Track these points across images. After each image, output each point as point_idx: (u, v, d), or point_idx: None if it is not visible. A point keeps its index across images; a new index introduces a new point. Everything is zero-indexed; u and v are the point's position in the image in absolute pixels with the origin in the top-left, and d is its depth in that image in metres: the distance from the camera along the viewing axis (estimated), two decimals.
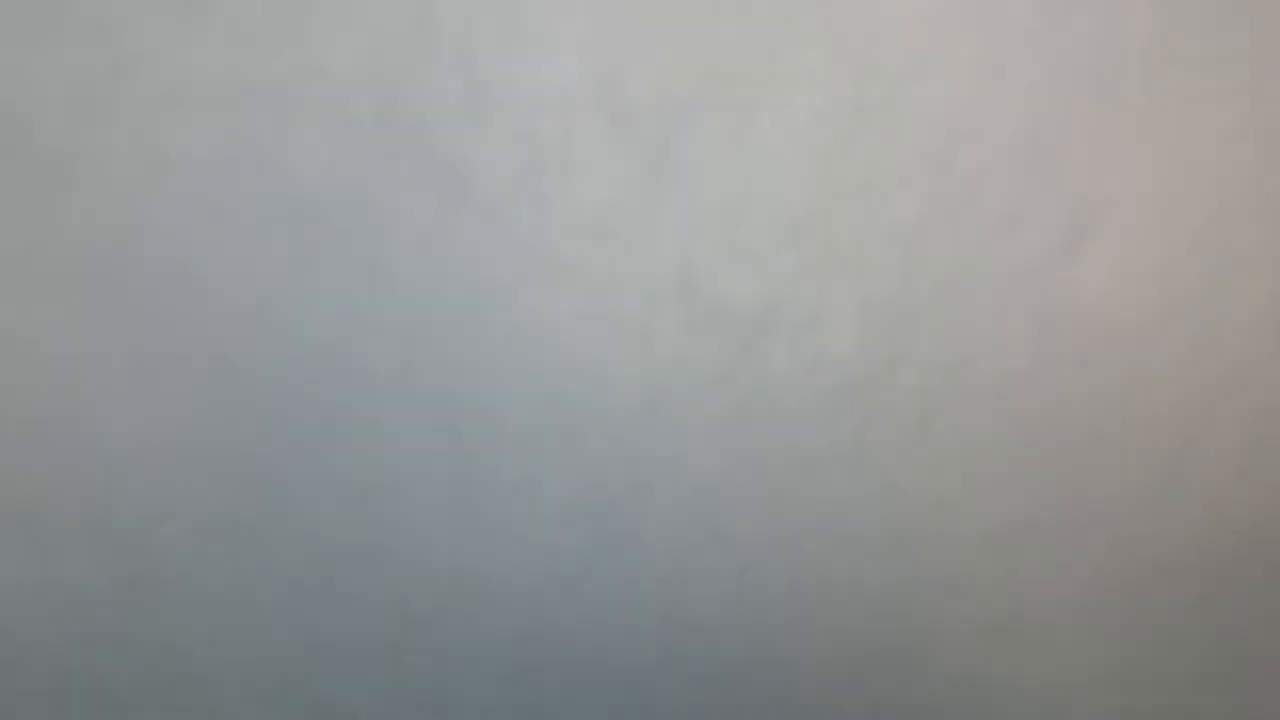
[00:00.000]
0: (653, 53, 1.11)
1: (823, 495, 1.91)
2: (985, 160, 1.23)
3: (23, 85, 1.07)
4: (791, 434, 1.72)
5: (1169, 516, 2.00)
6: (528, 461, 1.67)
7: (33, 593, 1.92)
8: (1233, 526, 2.03)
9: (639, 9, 1.06)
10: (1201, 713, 2.61)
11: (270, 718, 2.27)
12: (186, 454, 1.47)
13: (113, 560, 1.87)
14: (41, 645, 2.07)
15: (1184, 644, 2.45)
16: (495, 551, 1.91)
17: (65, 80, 1.07)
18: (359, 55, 1.08)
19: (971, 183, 1.25)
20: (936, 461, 1.85)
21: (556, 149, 1.19)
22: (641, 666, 2.28)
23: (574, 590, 2.00)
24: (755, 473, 1.80)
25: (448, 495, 1.72)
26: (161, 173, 1.14)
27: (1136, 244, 1.33)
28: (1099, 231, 1.31)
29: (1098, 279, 1.39)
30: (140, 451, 1.50)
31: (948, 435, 1.77)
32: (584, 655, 2.19)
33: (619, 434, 1.63)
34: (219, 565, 1.90)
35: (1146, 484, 1.91)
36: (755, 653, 2.37)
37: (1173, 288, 1.42)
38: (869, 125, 1.17)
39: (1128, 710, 2.64)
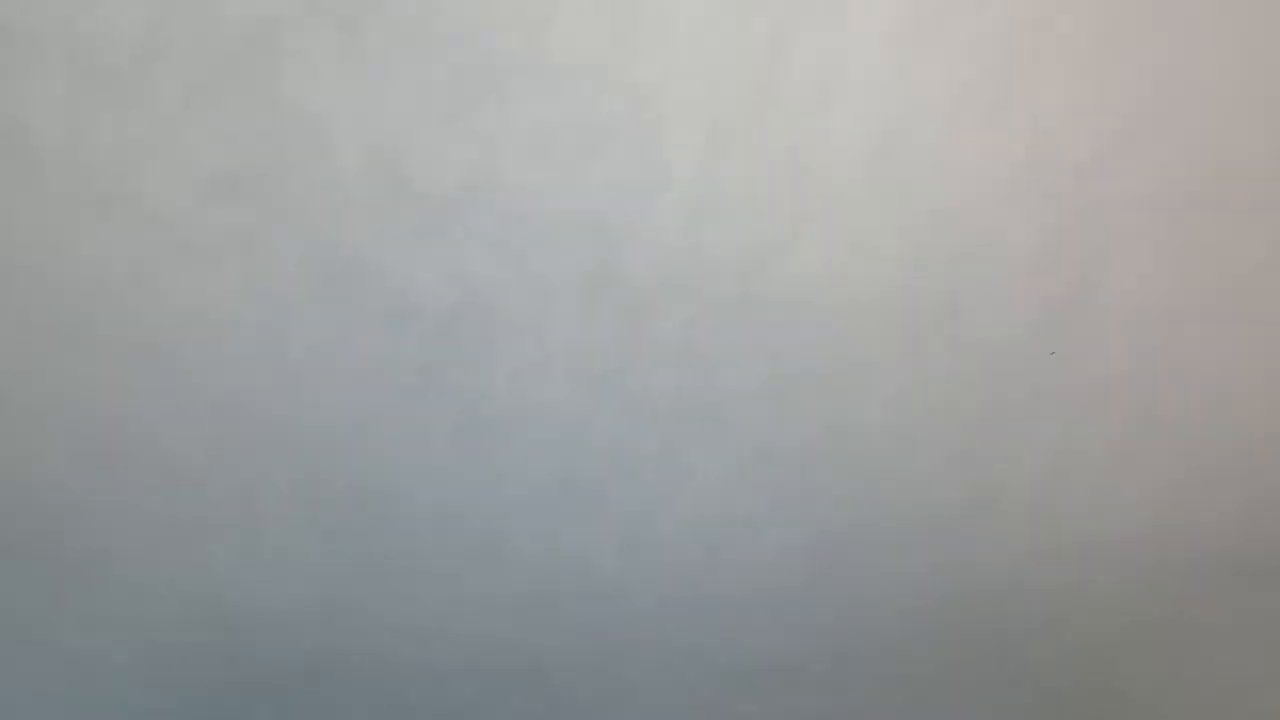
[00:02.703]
0: None
1: (611, 512, 1.71)
2: (672, 132, 1.03)
3: None
4: (554, 444, 1.52)
5: (993, 530, 1.83)
6: (239, 486, 1.45)
7: None
8: (1056, 540, 1.86)
9: None
10: None
11: None
12: None
13: None
14: None
15: (1023, 670, 2.29)
16: (236, 581, 1.69)
17: None
18: None
19: (665, 161, 1.05)
20: (730, 470, 1.66)
21: (112, 93, 0.97)
22: (424, 698, 2.08)
23: (340, 618, 1.79)
24: (524, 492, 1.60)
25: (159, 527, 1.51)
26: None
27: (859, 231, 1.14)
28: (821, 218, 1.12)
29: (830, 267, 1.19)
30: None
31: (734, 442, 1.58)
32: (355, 684, 1.99)
33: (338, 452, 1.42)
34: None
35: (965, 497, 1.72)
36: (561, 682, 2.17)
37: (919, 276, 1.24)
38: (494, 80, 0.97)
39: None
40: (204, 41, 0.94)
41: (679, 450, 1.58)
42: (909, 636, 2.23)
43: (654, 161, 1.05)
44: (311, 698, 2.10)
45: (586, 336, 1.31)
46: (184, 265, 1.13)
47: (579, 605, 1.94)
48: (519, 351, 1.33)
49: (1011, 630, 2.19)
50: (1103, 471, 1.70)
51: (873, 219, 1.14)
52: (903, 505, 1.76)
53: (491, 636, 1.96)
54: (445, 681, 2.08)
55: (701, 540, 1.84)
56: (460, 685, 2.13)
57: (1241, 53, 1.07)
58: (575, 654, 2.14)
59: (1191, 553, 1.93)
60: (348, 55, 0.97)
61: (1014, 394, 1.52)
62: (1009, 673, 2.35)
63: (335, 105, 1.01)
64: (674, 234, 1.14)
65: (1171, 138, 1.14)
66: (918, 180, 1.10)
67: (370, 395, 1.34)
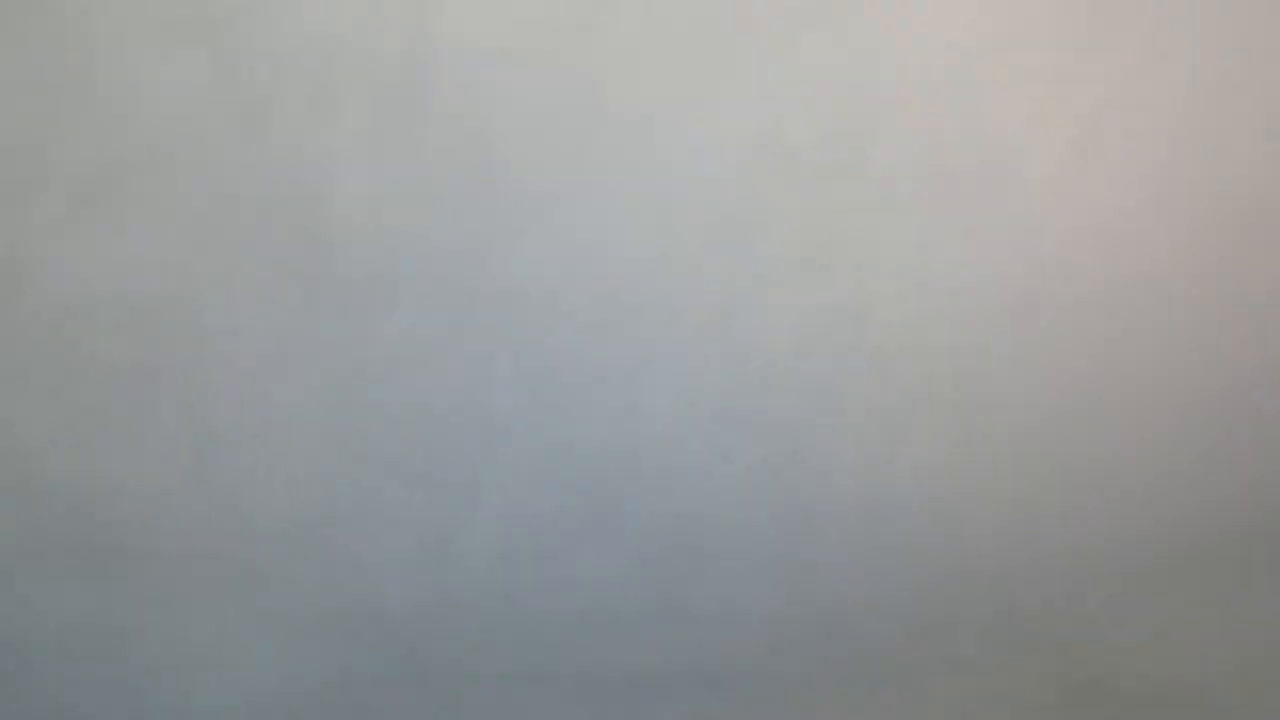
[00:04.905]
0: None
1: (399, 529, 1.57)
2: (335, 102, 0.89)
3: None
4: (309, 454, 1.37)
5: (817, 538, 1.71)
6: None
7: None
8: (886, 546, 1.75)
9: None
10: None
11: None
12: None
13: None
14: None
15: (885, 679, 2.19)
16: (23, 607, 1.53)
17: None
18: None
19: (333, 138, 0.91)
20: (523, 483, 1.52)
21: None
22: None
23: (109, 645, 1.63)
24: (283, 507, 1.45)
25: None
26: None
27: (584, 224, 1.01)
28: (536, 208, 0.98)
29: (564, 262, 1.06)
30: None
31: (517, 452, 1.44)
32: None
33: (52, 466, 1.26)
34: None
35: (783, 506, 1.60)
36: None
37: (670, 272, 1.10)
38: (113, 32, 0.82)
39: None
40: None
41: (459, 461, 1.44)
42: (765, 647, 2.12)
43: (321, 137, 0.91)
44: None
45: (312, 337, 1.16)
46: None
47: (382, 626, 1.79)
48: (238, 354, 1.18)
49: (868, 640, 2.08)
50: (929, 479, 1.58)
51: (595, 208, 1.01)
52: (718, 518, 1.63)
53: (290, 663, 1.81)
54: (252, 711, 1.93)
55: (512, 557, 1.71)
56: (272, 715, 1.98)
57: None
58: (397, 677, 2.00)
59: (1037, 556, 1.83)
60: None
61: (820, 401, 1.40)
62: (868, 683, 2.25)
63: None
64: (371, 221, 0.99)
65: (933, 114, 1.02)
66: (632, 165, 0.96)
67: (65, 402, 1.18)
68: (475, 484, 1.50)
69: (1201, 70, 0.97)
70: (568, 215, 1.01)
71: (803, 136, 1.01)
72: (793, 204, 1.07)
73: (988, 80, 0.99)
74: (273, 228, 1.00)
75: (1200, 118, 0.98)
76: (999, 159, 1.06)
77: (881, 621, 2.03)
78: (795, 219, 1.09)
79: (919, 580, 1.91)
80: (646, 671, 2.19)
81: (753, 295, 1.18)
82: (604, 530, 1.65)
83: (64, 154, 0.92)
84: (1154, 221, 1.13)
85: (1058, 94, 1.00)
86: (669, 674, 2.21)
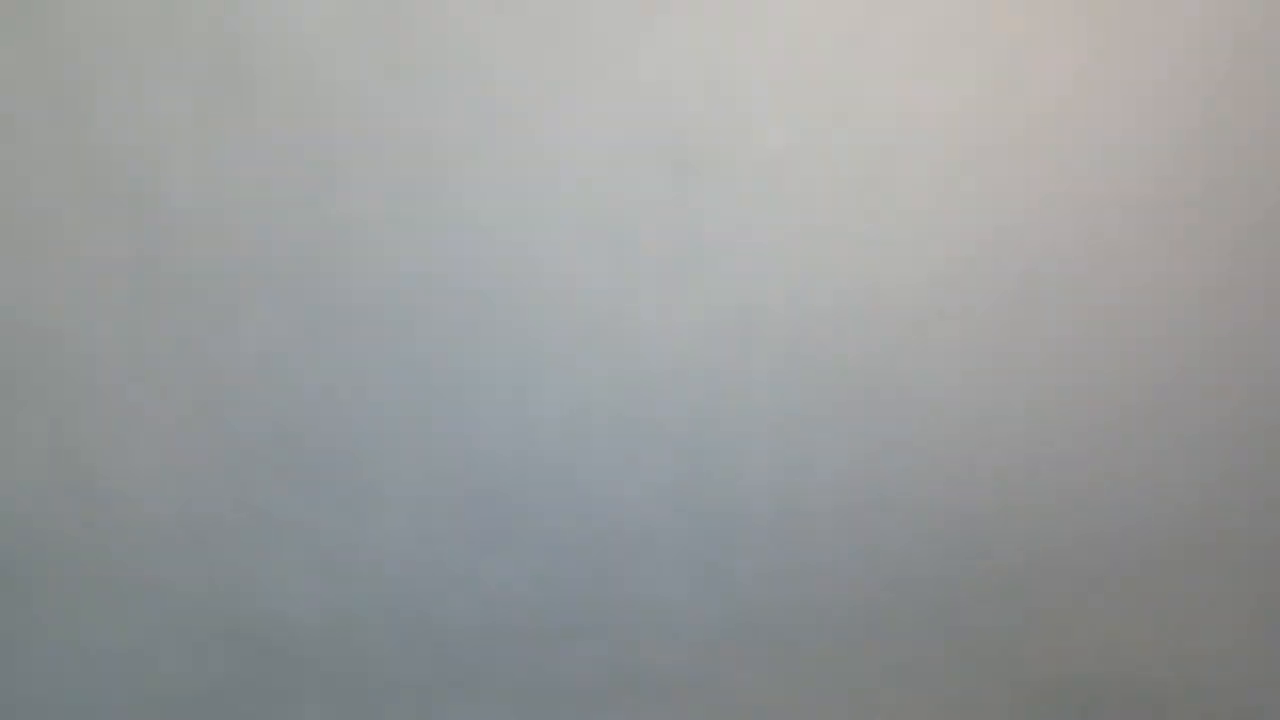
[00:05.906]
0: None
1: (305, 543, 1.51)
2: (163, 79, 0.82)
3: None
4: (191, 470, 1.31)
5: (733, 543, 1.66)
6: None
7: None
8: (806, 549, 1.70)
9: None
10: None
11: None
12: None
13: None
14: None
15: (829, 683, 2.15)
16: None
17: None
18: None
19: (168, 110, 0.85)
20: (424, 497, 1.46)
21: None
22: None
23: None
24: (170, 513, 1.38)
25: None
26: None
27: (452, 227, 0.95)
28: (406, 214, 0.93)
29: (417, 265, 1.00)
30: None
31: (412, 467, 1.38)
32: None
33: None
34: None
35: (684, 515, 1.55)
36: None
37: (539, 267, 1.05)
38: None
39: None
40: None
41: (348, 472, 1.38)
42: (697, 654, 2.07)
43: (143, 126, 0.85)
44: None
45: (169, 340, 1.10)
46: None
47: (287, 638, 1.73)
48: (93, 360, 1.11)
49: (806, 646, 2.04)
50: (848, 481, 1.54)
51: (454, 208, 0.95)
52: (629, 525, 1.58)
53: (191, 672, 1.74)
54: None
55: (419, 569, 1.65)
56: None
57: None
58: (306, 689, 1.93)
59: (970, 561, 1.79)
60: None
61: (722, 404, 1.35)
62: (811, 691, 2.21)
63: None
64: (209, 219, 0.93)
65: (811, 107, 0.97)
66: (491, 161, 0.91)
67: None
68: (368, 495, 1.44)
69: (1087, 62, 0.92)
70: (426, 216, 0.96)
71: (675, 127, 0.96)
72: (669, 199, 1.02)
73: (861, 77, 0.94)
74: (105, 225, 0.94)
75: (1084, 111, 0.94)
76: (880, 158, 1.01)
77: (817, 628, 1.99)
78: (673, 215, 1.04)
79: (850, 585, 1.87)
80: (573, 682, 2.14)
81: (638, 296, 1.13)
82: (510, 541, 1.59)
83: None
84: (1054, 220, 1.08)
85: (935, 92, 0.95)
86: (597, 684, 2.16)
